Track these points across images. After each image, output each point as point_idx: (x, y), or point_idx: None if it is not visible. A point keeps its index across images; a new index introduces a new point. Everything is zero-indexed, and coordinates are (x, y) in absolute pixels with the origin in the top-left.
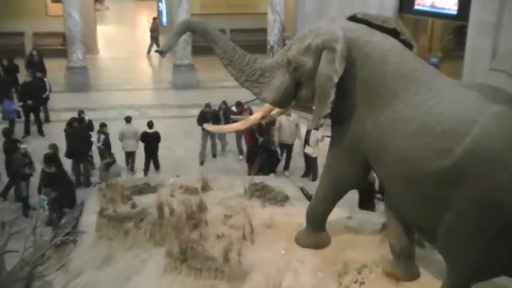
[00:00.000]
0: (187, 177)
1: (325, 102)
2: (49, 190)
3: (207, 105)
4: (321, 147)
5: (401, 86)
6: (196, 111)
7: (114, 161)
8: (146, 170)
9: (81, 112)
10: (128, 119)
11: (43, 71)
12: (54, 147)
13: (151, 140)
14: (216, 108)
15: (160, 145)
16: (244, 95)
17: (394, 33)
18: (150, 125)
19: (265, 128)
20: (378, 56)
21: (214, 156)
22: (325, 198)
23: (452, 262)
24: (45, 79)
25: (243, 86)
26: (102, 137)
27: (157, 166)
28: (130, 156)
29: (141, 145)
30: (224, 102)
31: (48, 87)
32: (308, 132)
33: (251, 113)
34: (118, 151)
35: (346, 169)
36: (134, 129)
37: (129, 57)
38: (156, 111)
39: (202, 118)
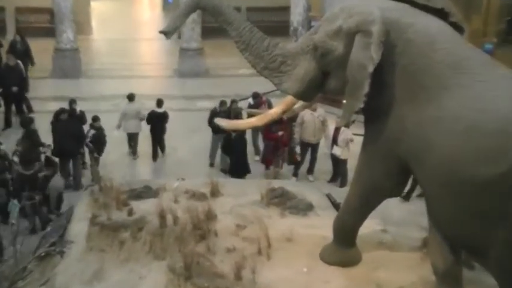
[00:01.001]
0: (194, 180)
1: (357, 95)
2: (27, 194)
3: (222, 104)
4: (351, 148)
5: (450, 77)
6: (204, 104)
7: (54, 173)
8: (155, 155)
9: (72, 102)
10: (131, 97)
11: (27, 60)
12: (29, 138)
13: (159, 121)
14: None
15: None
16: (262, 85)
17: (441, 14)
18: (160, 103)
19: (286, 123)
20: (422, 41)
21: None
22: (356, 208)
23: (508, 287)
24: (18, 61)
25: (261, 74)
26: (92, 132)
27: (163, 149)
28: (132, 138)
29: (146, 127)
30: (234, 102)
31: (23, 72)
32: (337, 130)
33: (270, 106)
34: (112, 146)
35: (381, 174)
36: (137, 108)
37: (127, 39)
38: None
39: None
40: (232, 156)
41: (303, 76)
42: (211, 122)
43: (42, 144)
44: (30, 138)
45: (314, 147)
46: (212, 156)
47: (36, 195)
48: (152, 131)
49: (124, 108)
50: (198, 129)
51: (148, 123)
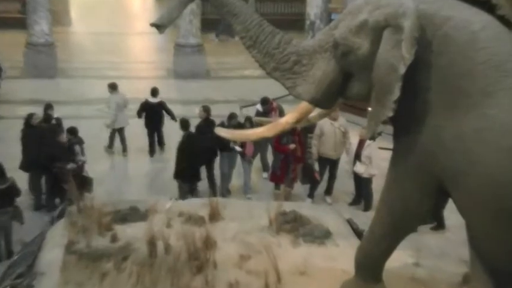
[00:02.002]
0: (190, 200)
1: (386, 101)
2: None
3: (232, 117)
4: (377, 165)
5: (496, 82)
6: None
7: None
8: (152, 151)
9: (48, 107)
10: (113, 86)
11: None
12: None
13: (155, 112)
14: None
15: (156, 157)
16: (272, 89)
17: (487, 6)
18: (154, 92)
19: (300, 135)
20: (463, 38)
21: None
22: (383, 237)
23: None
24: None
25: (271, 76)
26: (78, 148)
27: (162, 143)
28: (119, 133)
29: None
30: (232, 118)
31: None
32: (360, 144)
33: (281, 114)
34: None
35: (413, 196)
36: (122, 99)
37: (113, 33)
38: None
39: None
40: (186, 156)
41: (321, 79)
42: (219, 140)
43: None
44: None
45: (334, 164)
46: (224, 181)
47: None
48: (147, 124)
49: (107, 100)
50: None
51: (140, 115)
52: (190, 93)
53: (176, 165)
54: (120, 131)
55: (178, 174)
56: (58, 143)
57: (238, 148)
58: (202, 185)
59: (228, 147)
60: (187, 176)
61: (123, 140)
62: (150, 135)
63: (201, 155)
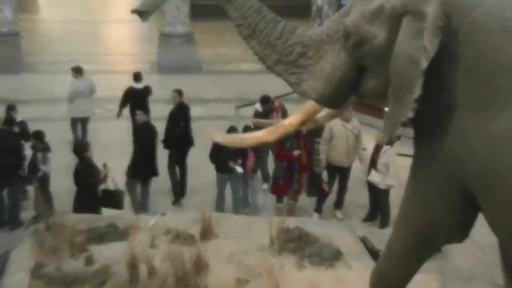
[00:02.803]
0: (178, 215)
1: (405, 100)
2: None
3: (231, 130)
4: (395, 173)
5: None
6: (195, 110)
7: None
8: None
9: (10, 108)
10: (78, 70)
11: None
12: None
13: (141, 101)
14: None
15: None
16: (273, 85)
17: None
18: (138, 77)
19: (305, 140)
20: (493, 26)
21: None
22: (403, 257)
23: None
24: None
25: (272, 70)
26: (30, 153)
27: None
28: (81, 124)
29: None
30: (232, 129)
31: None
32: (376, 149)
33: (284, 114)
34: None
35: (438, 209)
36: (89, 84)
37: (87, 21)
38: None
39: (219, 151)
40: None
41: (330, 73)
42: (215, 157)
43: None
44: None
45: (345, 173)
46: (219, 205)
47: None
48: (132, 113)
49: (71, 86)
50: None
51: (124, 105)
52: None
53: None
54: (84, 122)
55: (131, 169)
56: (18, 151)
57: (239, 169)
58: (192, 196)
59: (226, 166)
60: (139, 170)
61: (84, 132)
62: (135, 128)
63: (173, 147)
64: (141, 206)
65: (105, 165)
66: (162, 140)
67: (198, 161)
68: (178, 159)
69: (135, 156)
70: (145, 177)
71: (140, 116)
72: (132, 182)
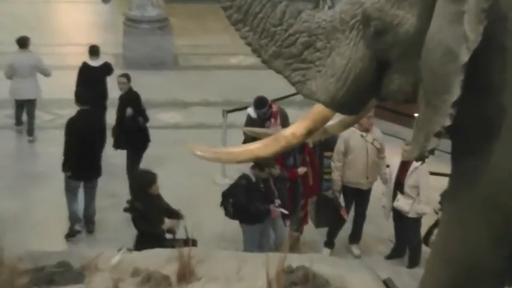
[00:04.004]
0: (149, 251)
1: (440, 104)
2: None
3: (244, 178)
4: (428, 197)
5: None
6: (170, 116)
7: None
8: None
9: None
10: (23, 42)
11: None
12: None
13: (98, 81)
14: None
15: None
16: (271, 84)
17: None
18: (95, 51)
19: (312, 154)
20: None
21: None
22: None
23: None
24: None
25: (269, 66)
26: None
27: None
28: (26, 107)
29: None
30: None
31: None
32: (404, 167)
33: (285, 122)
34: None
35: (482, 244)
36: (33, 60)
37: (32, 1)
38: None
39: (250, 196)
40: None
41: (344, 70)
42: (242, 205)
43: None
44: None
45: (364, 197)
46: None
47: None
48: (84, 92)
49: (12, 60)
50: (162, 163)
51: (80, 85)
52: (149, 91)
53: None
54: (29, 104)
55: (65, 165)
56: None
57: (284, 211)
58: None
59: (261, 213)
60: (74, 169)
61: (31, 118)
62: None
63: (131, 144)
64: (85, 221)
65: (178, 214)
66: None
67: (176, 179)
68: (137, 159)
69: (69, 151)
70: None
71: (123, 80)
72: (69, 184)
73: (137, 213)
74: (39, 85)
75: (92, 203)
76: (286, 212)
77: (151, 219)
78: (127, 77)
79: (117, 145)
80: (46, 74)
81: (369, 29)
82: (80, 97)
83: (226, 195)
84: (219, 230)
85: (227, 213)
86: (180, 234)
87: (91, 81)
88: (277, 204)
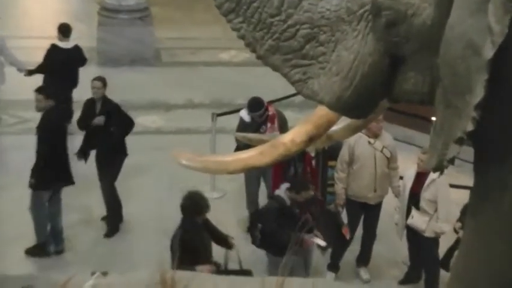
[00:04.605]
0: (127, 275)
1: (462, 105)
2: None
3: (276, 201)
4: (447, 213)
5: None
6: (150, 120)
7: None
8: None
9: None
10: None
11: None
12: None
13: (69, 65)
14: None
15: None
16: (268, 83)
17: None
18: (66, 30)
19: (311, 164)
20: None
21: None
22: None
23: None
24: None
25: (265, 62)
26: None
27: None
28: None
29: None
30: None
31: None
32: (420, 178)
33: (283, 126)
34: None
35: (509, 267)
36: None
37: None
38: None
39: (281, 224)
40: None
41: (352, 67)
42: (271, 235)
43: None
44: None
45: (372, 213)
46: None
47: None
48: (52, 83)
49: None
50: (140, 169)
51: (43, 70)
52: (127, 91)
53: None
54: None
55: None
56: None
57: (321, 243)
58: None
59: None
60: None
61: None
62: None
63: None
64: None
65: (229, 243)
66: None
67: (157, 192)
68: (113, 173)
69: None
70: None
71: (39, 98)
72: (37, 194)
73: (179, 240)
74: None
75: (60, 217)
76: (323, 243)
77: (195, 249)
78: (102, 80)
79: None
80: (13, 62)
81: (379, 19)
82: (46, 89)
83: (254, 220)
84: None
85: (254, 241)
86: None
87: (61, 68)
88: (313, 234)
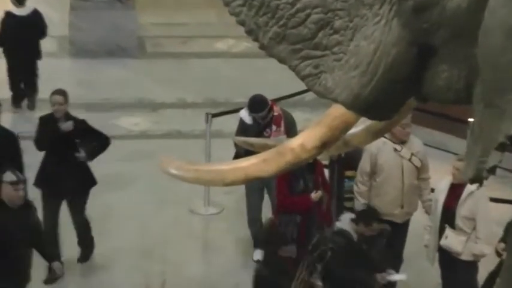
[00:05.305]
0: None
1: (505, 105)
2: None
3: (341, 236)
4: (487, 233)
5: None
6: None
7: None
8: (17, 99)
9: None
10: None
11: None
12: None
13: (24, 34)
14: None
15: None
16: (272, 79)
17: None
18: None
19: (323, 174)
20: None
21: None
22: None
23: None
24: None
25: (270, 53)
26: None
27: (34, 92)
28: None
29: None
30: None
31: None
32: (454, 191)
33: (292, 130)
34: None
35: None
36: None
37: None
38: (18, 118)
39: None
40: None
41: (373, 59)
42: (317, 261)
43: None
44: None
45: (397, 233)
46: None
47: None
48: (10, 54)
49: None
50: (122, 180)
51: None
52: (105, 88)
53: None
54: None
55: None
56: None
57: (401, 277)
58: None
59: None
60: None
61: None
62: (13, 76)
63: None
64: None
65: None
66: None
67: (141, 207)
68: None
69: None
70: None
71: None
72: None
73: (261, 278)
74: None
75: None
76: (402, 276)
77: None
78: (64, 95)
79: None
80: None
81: (406, 2)
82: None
83: (314, 261)
84: (200, 275)
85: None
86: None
87: (18, 37)
88: (388, 273)
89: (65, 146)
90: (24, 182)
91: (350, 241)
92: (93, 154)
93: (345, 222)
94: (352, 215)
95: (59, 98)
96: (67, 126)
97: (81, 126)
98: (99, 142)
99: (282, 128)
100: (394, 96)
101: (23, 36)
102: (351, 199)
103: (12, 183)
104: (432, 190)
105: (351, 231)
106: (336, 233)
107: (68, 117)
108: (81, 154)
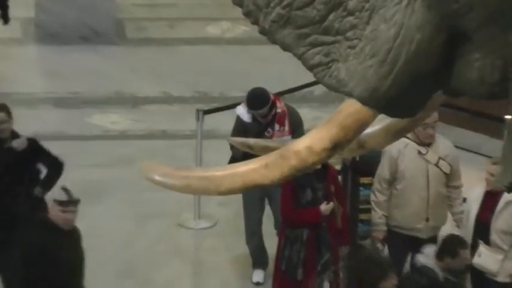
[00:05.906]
0: None
1: None
2: None
3: (424, 275)
4: None
5: None
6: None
7: None
8: None
9: None
10: None
11: None
12: None
13: None
14: None
15: None
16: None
17: None
18: None
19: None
20: None
21: None
22: None
23: None
24: None
25: (272, 38)
26: None
27: (6, 17)
28: None
29: None
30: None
31: None
32: (489, 200)
33: (298, 130)
34: None
35: None
36: None
37: None
38: None
39: None
40: None
41: (393, 46)
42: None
43: None
44: None
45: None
46: None
47: None
48: None
49: None
50: (98, 189)
51: None
52: (78, 79)
53: None
54: None
55: None
56: None
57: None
58: None
59: None
60: None
61: None
62: None
63: None
64: None
65: None
66: None
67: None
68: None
69: None
70: None
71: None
72: None
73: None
74: None
75: None
76: None
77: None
78: (6, 110)
79: None
80: None
81: None
82: None
83: None
84: None
85: None
86: None
87: None
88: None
89: (16, 172)
90: (76, 203)
91: (435, 281)
92: (49, 185)
93: (426, 256)
94: (434, 248)
95: (1, 115)
96: (20, 143)
97: (33, 146)
98: (53, 169)
99: (286, 127)
100: (418, 90)
101: None
102: (367, 210)
103: (61, 203)
104: (464, 200)
105: (435, 269)
106: (419, 273)
107: (14, 135)
108: (38, 189)
